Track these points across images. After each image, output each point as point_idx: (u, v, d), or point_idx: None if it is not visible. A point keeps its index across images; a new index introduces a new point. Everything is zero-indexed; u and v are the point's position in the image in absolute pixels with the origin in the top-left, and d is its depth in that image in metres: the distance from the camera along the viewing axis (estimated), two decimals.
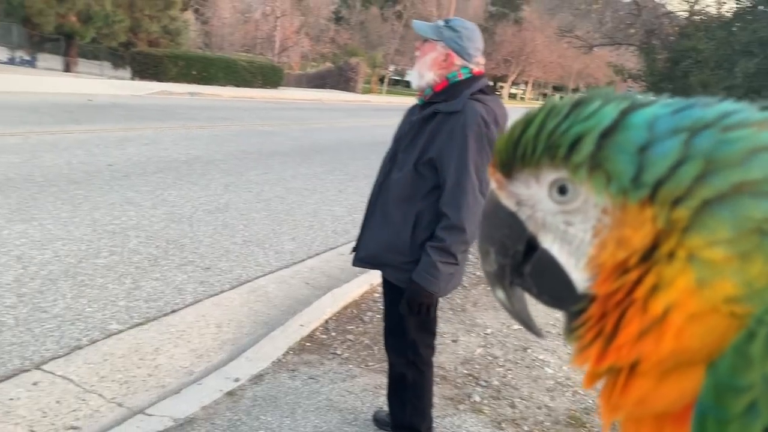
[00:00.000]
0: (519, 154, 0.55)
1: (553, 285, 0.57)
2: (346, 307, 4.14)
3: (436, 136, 2.12)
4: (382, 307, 4.16)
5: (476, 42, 2.19)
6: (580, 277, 0.54)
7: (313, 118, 17.17)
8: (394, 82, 67.91)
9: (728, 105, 0.50)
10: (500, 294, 0.63)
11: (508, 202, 0.59)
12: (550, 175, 0.54)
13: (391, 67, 59.35)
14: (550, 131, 0.53)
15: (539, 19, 50.06)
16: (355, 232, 6.17)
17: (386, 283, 2.41)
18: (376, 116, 21.85)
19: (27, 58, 25.94)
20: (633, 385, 0.51)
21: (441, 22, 2.25)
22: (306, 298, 4.34)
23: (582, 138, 0.51)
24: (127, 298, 3.87)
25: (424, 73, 2.20)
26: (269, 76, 30.08)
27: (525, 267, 0.60)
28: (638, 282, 0.49)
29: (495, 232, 0.61)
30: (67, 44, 27.47)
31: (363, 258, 2.40)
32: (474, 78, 2.19)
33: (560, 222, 0.55)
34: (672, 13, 12.53)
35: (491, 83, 2.47)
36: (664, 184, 0.48)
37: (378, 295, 4.44)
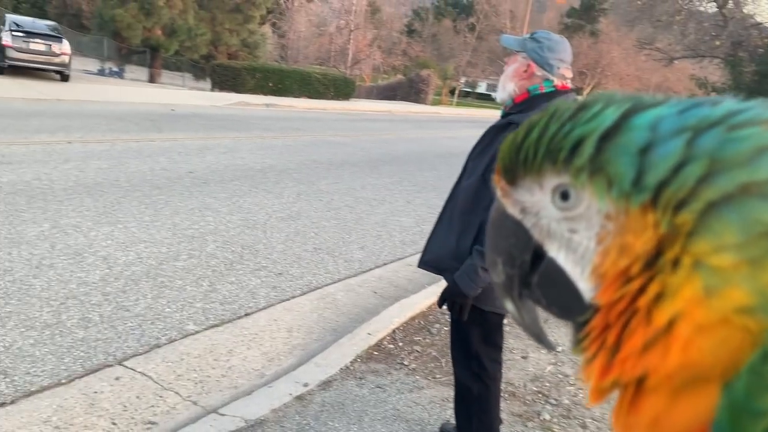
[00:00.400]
0: (521, 160, 0.53)
1: (560, 295, 0.55)
2: (413, 318, 4.15)
3: None
4: (449, 320, 4.16)
5: (559, 53, 2.15)
6: (585, 287, 0.52)
7: (382, 129, 17.33)
8: (465, 94, 67.63)
9: (736, 103, 0.48)
10: (510, 306, 0.60)
11: (513, 210, 0.57)
12: (552, 181, 0.52)
13: (462, 79, 59.17)
14: (552, 135, 0.51)
15: (617, 31, 48.67)
16: (423, 242, 6.18)
17: None
18: (445, 128, 21.83)
19: (115, 69, 27.43)
20: (644, 404, 0.48)
21: (527, 35, 2.24)
22: (374, 307, 4.37)
23: (583, 141, 0.48)
24: (203, 300, 4.02)
25: (506, 85, 2.20)
26: (341, 88, 30.59)
27: (533, 277, 0.57)
28: (641, 291, 0.47)
29: (501, 242, 0.59)
30: (152, 56, 28.89)
31: (427, 261, 2.42)
32: (557, 92, 2.15)
33: (565, 229, 0.52)
34: (761, 24, 11.94)
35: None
36: (666, 187, 0.45)
37: (446, 307, 4.42)
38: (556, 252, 0.54)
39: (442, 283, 4.65)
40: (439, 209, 2.45)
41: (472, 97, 70.15)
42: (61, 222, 5.06)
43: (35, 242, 4.55)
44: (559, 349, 3.85)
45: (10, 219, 4.94)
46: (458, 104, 48.85)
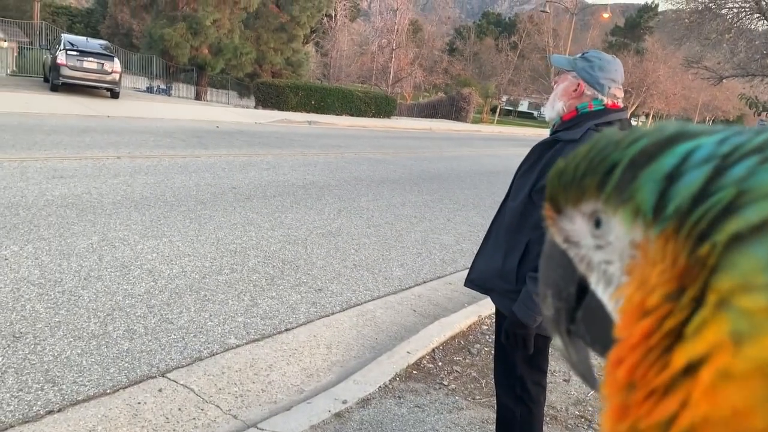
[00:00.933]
0: (563, 186, 0.51)
1: (604, 332, 0.50)
2: (453, 338, 4.11)
3: (552, 164, 2.06)
4: (490, 340, 4.10)
5: (610, 73, 2.12)
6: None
7: (423, 147, 17.36)
8: (507, 113, 67.34)
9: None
10: (558, 342, 0.58)
11: (559, 240, 0.54)
12: (587, 207, 0.49)
13: (504, 97, 58.94)
14: (591, 159, 0.49)
15: (663, 50, 47.86)
16: (464, 261, 6.15)
17: (498, 313, 2.38)
18: (486, 146, 21.73)
19: (163, 87, 28.25)
20: None
21: (578, 55, 2.22)
22: (413, 325, 4.35)
23: (616, 165, 0.46)
24: (245, 315, 4.06)
25: (555, 103, 2.18)
26: (382, 106, 30.83)
27: (578, 312, 0.55)
28: (659, 327, 0.43)
29: (551, 273, 0.57)
30: (198, 75, 29.68)
31: (473, 280, 2.38)
32: (606, 111, 2.12)
33: (601, 259, 0.50)
34: None
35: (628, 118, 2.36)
36: (688, 216, 0.42)
37: (486, 327, 4.37)
38: (596, 284, 0.51)
39: (482, 303, 4.62)
40: (479, 227, 2.44)
41: (513, 115, 69.83)
42: (109, 235, 5.20)
43: (84, 254, 4.68)
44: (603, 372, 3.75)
45: (61, 231, 5.10)
46: (499, 122, 48.66)
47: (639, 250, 0.45)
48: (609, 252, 0.49)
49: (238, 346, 3.64)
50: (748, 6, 10.17)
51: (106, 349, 3.35)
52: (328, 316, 4.31)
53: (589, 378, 0.59)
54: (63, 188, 6.45)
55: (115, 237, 5.18)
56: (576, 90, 2.13)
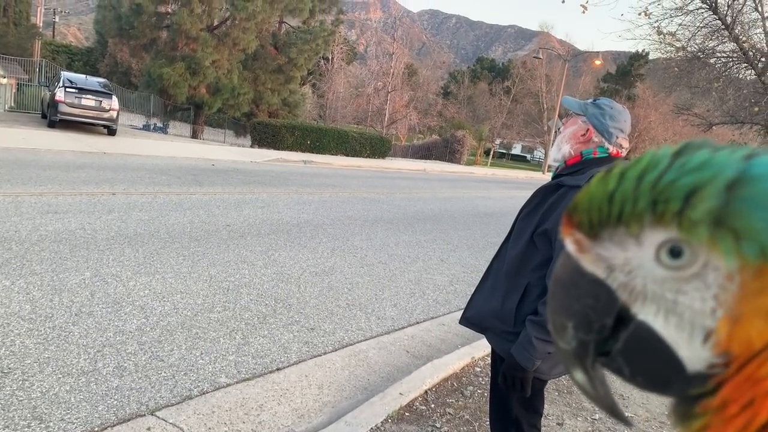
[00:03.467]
0: (615, 212, 0.47)
1: (652, 365, 0.48)
2: (446, 379, 4.07)
3: (556, 208, 2.09)
4: (483, 382, 4.07)
5: (619, 123, 2.15)
6: (694, 354, 0.45)
7: (417, 188, 17.47)
8: (500, 155, 68.05)
9: None
10: (580, 376, 0.54)
11: (595, 267, 0.50)
12: (657, 235, 0.45)
13: (497, 140, 59.64)
14: (653, 182, 0.45)
15: (653, 96, 48.81)
16: (457, 302, 6.13)
17: (494, 354, 2.37)
18: (480, 188, 21.89)
19: (160, 125, 28.44)
20: None
21: (590, 100, 2.26)
22: (406, 366, 4.32)
23: (698, 190, 0.43)
24: (236, 353, 4.03)
25: (562, 146, 2.20)
26: (377, 147, 31.11)
27: (614, 344, 0.51)
28: None
29: (575, 304, 0.53)
30: (195, 113, 29.97)
31: (469, 318, 2.38)
32: (610, 159, 2.14)
33: (668, 290, 0.46)
34: None
35: None
36: None
37: (479, 369, 4.34)
38: (652, 316, 0.47)
39: (475, 345, 4.59)
40: (473, 268, 2.45)
41: (506, 158, 70.57)
42: (101, 271, 5.18)
43: (76, 290, 4.65)
44: (597, 416, 3.72)
45: (53, 267, 5.08)
46: (493, 165, 49.10)
47: (734, 280, 0.42)
48: (686, 282, 0.45)
49: (228, 385, 3.60)
50: (735, 56, 10.45)
51: (95, 386, 3.30)
52: (320, 355, 4.28)
53: (617, 411, 0.56)
54: (57, 224, 6.44)
55: (107, 273, 5.16)
56: (584, 135, 2.16)
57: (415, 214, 11.55)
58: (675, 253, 0.45)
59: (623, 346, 0.50)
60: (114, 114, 18.67)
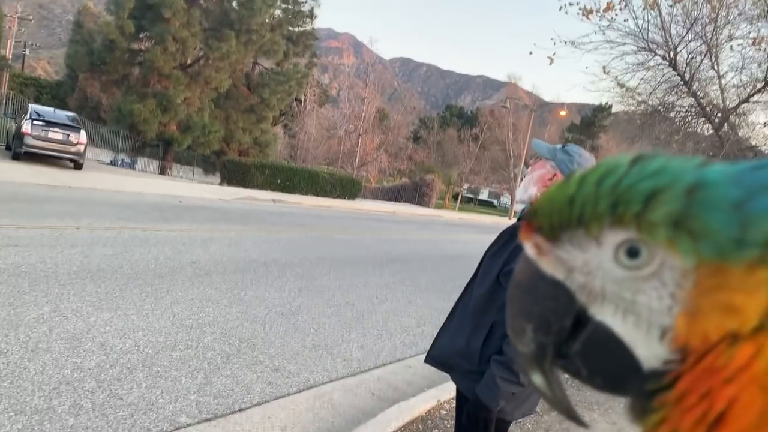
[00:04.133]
0: (575, 214, 0.48)
1: (610, 364, 0.49)
2: (411, 422, 4.03)
3: (522, 249, 2.12)
4: (449, 426, 4.04)
5: None
6: (651, 352, 0.47)
7: (386, 229, 17.52)
8: (468, 200, 68.88)
9: None
10: (538, 379, 0.54)
11: (554, 270, 0.51)
12: (616, 236, 0.47)
13: (465, 185, 60.45)
14: (613, 186, 0.47)
15: (616, 147, 50.34)
16: (424, 344, 6.11)
17: (458, 394, 2.37)
18: (448, 231, 22.07)
19: (127, 160, 28.16)
20: None
21: (559, 146, 2.32)
22: (371, 408, 4.26)
23: (658, 194, 0.45)
24: (198, 393, 3.93)
25: (529, 187, 2.25)
26: (348, 188, 31.27)
27: (572, 345, 0.52)
28: (755, 355, 0.41)
29: (534, 307, 0.53)
30: (164, 150, 29.78)
31: (434, 357, 2.38)
32: None
33: (626, 290, 0.47)
34: (756, 147, 12.41)
35: None
36: None
37: (445, 412, 4.31)
38: (610, 316, 0.49)
39: (441, 387, 4.57)
40: (440, 311, 2.46)
41: (474, 203, 71.43)
42: (61, 306, 5.04)
43: (34, 325, 4.51)
44: None
45: (11, 300, 4.93)
46: (461, 209, 49.61)
47: (690, 278, 0.44)
48: (644, 281, 0.46)
49: (189, 425, 3.50)
50: (694, 111, 10.91)
51: (49, 425, 3.18)
52: (284, 397, 4.20)
53: (573, 413, 0.56)
54: (17, 257, 6.28)
55: (67, 308, 5.02)
56: (551, 179, 2.21)
57: (384, 256, 11.56)
58: (633, 252, 0.46)
59: (581, 347, 0.51)
60: (81, 148, 18.45)
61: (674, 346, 0.45)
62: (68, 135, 17.99)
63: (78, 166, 18.72)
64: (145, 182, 19.25)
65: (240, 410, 3.84)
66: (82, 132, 18.75)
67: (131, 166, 27.75)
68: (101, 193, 13.86)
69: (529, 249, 0.54)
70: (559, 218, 0.50)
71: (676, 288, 0.45)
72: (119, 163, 27.32)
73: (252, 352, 4.90)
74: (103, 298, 5.48)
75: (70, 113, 21.07)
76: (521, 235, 0.55)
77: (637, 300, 0.47)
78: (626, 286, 0.47)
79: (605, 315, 0.49)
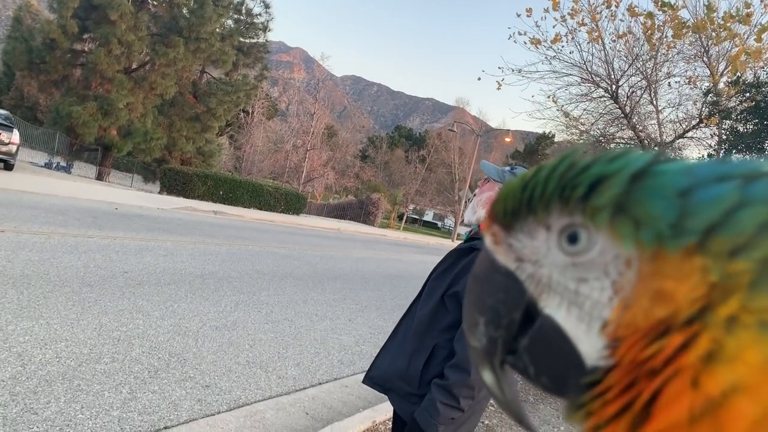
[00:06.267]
0: (525, 198, 0.47)
1: (555, 361, 0.46)
2: None
3: (467, 271, 2.10)
4: None
5: None
6: (592, 347, 0.44)
7: (330, 246, 17.39)
8: (413, 221, 69.44)
9: (764, 161, 0.43)
10: (488, 377, 0.51)
11: (506, 259, 0.49)
12: (561, 221, 0.45)
13: (411, 206, 60.93)
14: (563, 172, 0.46)
15: None
16: (362, 363, 6.03)
17: (395, 417, 2.31)
18: (392, 250, 22.09)
19: (63, 164, 27.10)
20: None
21: (507, 168, 2.30)
22: (304, 428, 4.14)
23: (604, 179, 0.43)
24: (121, 408, 3.72)
25: (477, 209, 2.22)
26: (292, 203, 30.95)
27: (521, 341, 0.49)
28: (685, 347, 0.39)
29: (487, 298, 0.51)
30: (103, 155, 28.83)
31: (373, 377, 2.31)
32: None
33: (570, 279, 0.45)
34: None
35: None
36: (717, 231, 0.39)
37: None
38: (555, 308, 0.46)
39: (377, 408, 4.49)
40: (380, 330, 2.40)
41: (418, 224, 72.08)
42: None
43: None
44: None
45: None
46: (405, 229, 49.93)
47: (632, 267, 0.42)
48: (585, 269, 0.44)
49: None
50: (633, 142, 11.33)
51: None
52: (213, 415, 4.03)
53: (522, 416, 0.53)
54: None
55: None
56: None
57: (326, 273, 11.43)
58: (573, 238, 0.45)
59: (529, 342, 0.48)
60: (13, 148, 17.63)
61: (610, 338, 0.43)
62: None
63: (8, 167, 17.86)
64: (80, 187, 18.52)
65: (165, 428, 3.65)
66: (15, 132, 17.92)
67: (67, 170, 26.71)
68: (32, 196, 13.22)
69: (487, 239, 0.51)
70: (512, 204, 0.48)
71: (618, 277, 0.43)
72: (54, 166, 26.24)
73: (182, 367, 4.70)
74: (24, 305, 5.17)
75: (2, 111, 20.13)
76: (483, 224, 0.52)
77: (580, 290, 0.45)
78: (569, 275, 0.45)
79: (552, 307, 0.46)
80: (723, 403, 0.37)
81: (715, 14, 5.86)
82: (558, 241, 0.46)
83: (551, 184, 0.46)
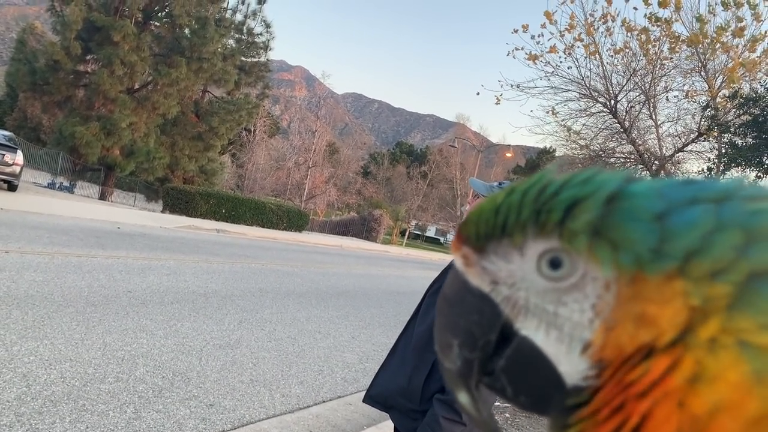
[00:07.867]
0: (499, 223, 0.47)
1: (534, 381, 0.47)
2: None
3: None
4: None
5: None
6: (573, 368, 0.45)
7: (332, 263, 17.40)
8: (415, 236, 69.42)
9: (729, 182, 0.44)
10: (464, 398, 0.51)
11: (480, 282, 0.50)
12: (538, 246, 0.45)
13: (413, 222, 60.96)
14: (537, 195, 0.46)
15: None
16: (365, 381, 6.03)
17: None
18: (395, 267, 22.08)
19: (66, 184, 27.21)
20: None
21: (495, 183, 2.34)
22: None
23: (579, 203, 0.44)
24: (125, 428, 3.74)
25: None
26: (295, 220, 31.01)
27: (497, 362, 0.50)
28: (670, 369, 0.40)
29: (460, 320, 0.51)
30: (106, 175, 28.96)
31: (373, 396, 2.32)
32: None
33: (549, 302, 0.46)
34: None
35: None
36: (696, 256, 0.40)
37: None
38: (533, 330, 0.47)
39: (381, 425, 4.49)
40: (384, 347, 2.42)
41: (421, 239, 72.02)
42: None
43: None
44: None
45: None
46: (408, 245, 49.91)
47: (611, 290, 0.43)
48: (566, 293, 0.45)
49: None
50: (633, 157, 11.39)
51: None
52: None
53: None
54: None
55: None
56: None
57: (329, 290, 11.44)
58: (555, 263, 0.45)
59: (506, 363, 0.49)
60: (17, 169, 17.75)
61: (593, 360, 0.44)
62: (3, 155, 17.28)
63: (12, 187, 17.96)
64: (83, 207, 18.60)
65: None
66: (19, 152, 18.05)
67: (70, 190, 26.82)
68: (35, 216, 13.28)
69: (457, 261, 0.52)
70: (485, 228, 0.48)
71: (597, 300, 0.44)
72: (57, 186, 26.35)
73: (186, 386, 4.72)
74: (29, 326, 5.20)
75: (6, 132, 20.28)
76: (452, 246, 0.53)
77: (559, 313, 0.45)
78: (549, 298, 0.46)
79: (529, 329, 0.47)
80: (708, 422, 0.38)
81: (707, 27, 5.93)
82: (537, 265, 0.46)
83: (526, 209, 0.46)
